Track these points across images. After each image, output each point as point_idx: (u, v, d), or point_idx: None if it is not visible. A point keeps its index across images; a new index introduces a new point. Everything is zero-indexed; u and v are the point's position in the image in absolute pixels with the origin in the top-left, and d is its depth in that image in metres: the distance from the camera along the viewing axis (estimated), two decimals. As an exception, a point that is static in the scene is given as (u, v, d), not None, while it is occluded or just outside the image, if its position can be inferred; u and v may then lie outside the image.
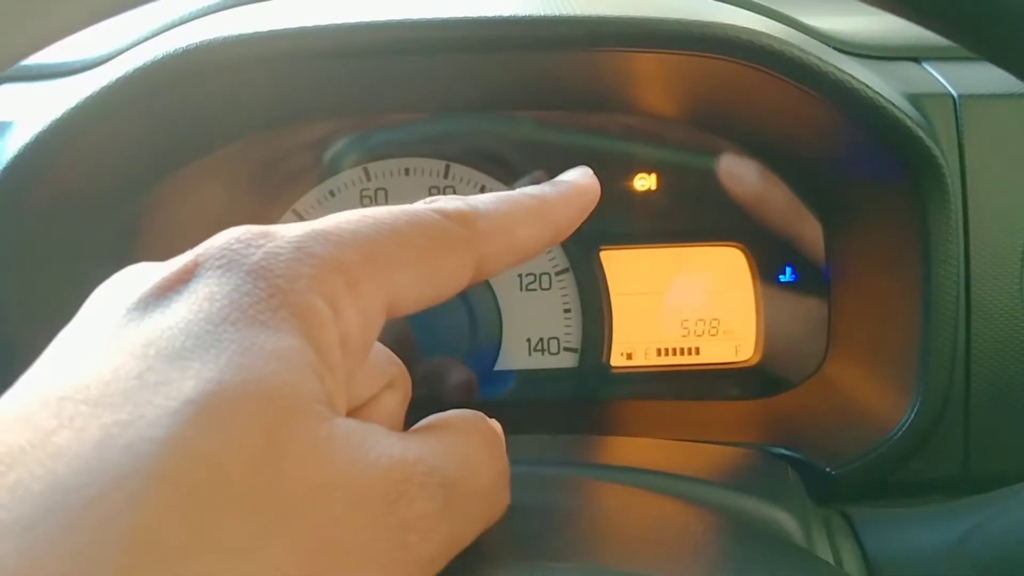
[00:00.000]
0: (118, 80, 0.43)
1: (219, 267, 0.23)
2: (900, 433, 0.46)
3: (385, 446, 0.23)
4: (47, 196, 0.48)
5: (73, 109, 0.44)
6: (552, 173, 0.58)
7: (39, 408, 0.20)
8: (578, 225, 0.31)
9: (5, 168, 0.46)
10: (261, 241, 0.23)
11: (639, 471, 0.41)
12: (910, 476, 0.48)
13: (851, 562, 0.39)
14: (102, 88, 0.43)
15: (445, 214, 0.27)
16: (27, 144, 0.45)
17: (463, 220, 0.27)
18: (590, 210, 0.32)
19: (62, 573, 0.17)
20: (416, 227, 0.26)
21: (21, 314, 0.48)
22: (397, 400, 0.30)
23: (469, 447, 0.26)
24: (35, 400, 0.20)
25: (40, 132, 0.45)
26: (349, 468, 0.21)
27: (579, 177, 0.32)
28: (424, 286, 0.26)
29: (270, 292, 0.22)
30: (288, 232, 0.24)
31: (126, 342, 0.21)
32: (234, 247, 0.23)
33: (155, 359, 0.21)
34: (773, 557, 0.31)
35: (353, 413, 0.27)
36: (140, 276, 0.24)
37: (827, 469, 0.46)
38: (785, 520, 0.38)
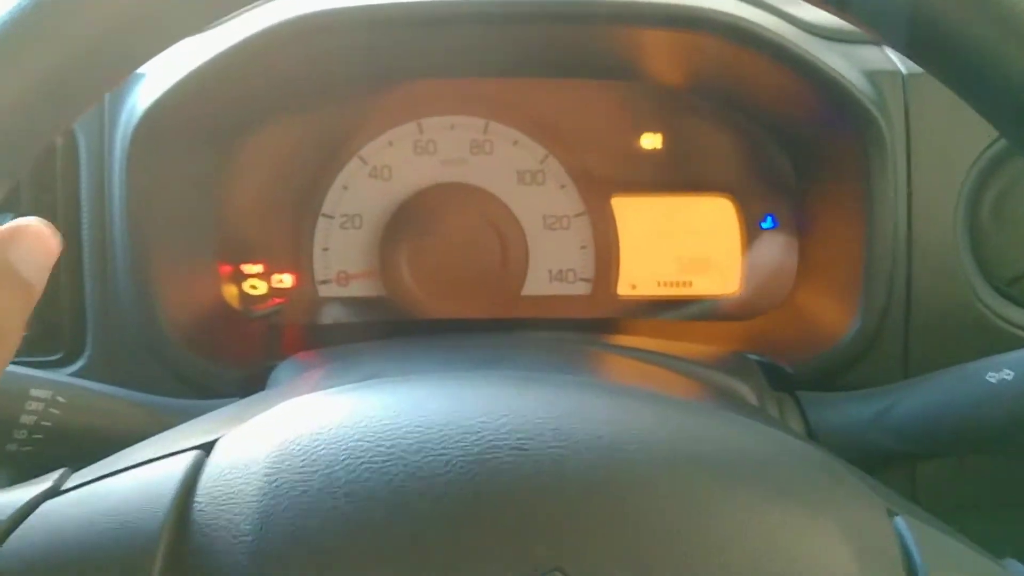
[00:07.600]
0: (243, 41, 0.54)
1: None
2: (846, 340, 0.58)
3: None
4: (174, 136, 0.60)
5: (202, 65, 0.56)
6: (574, 132, 0.69)
7: None
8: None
9: (143, 114, 0.57)
10: None
11: (630, 349, 0.53)
12: (857, 381, 0.59)
13: (794, 426, 0.51)
14: (229, 47, 0.55)
15: None
16: (163, 93, 0.57)
17: None
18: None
19: None
20: None
21: (151, 227, 0.60)
22: None
23: None
24: None
25: (174, 84, 0.56)
26: None
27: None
28: None
29: None
30: None
31: None
32: None
33: None
34: (727, 402, 0.43)
35: None
36: None
37: (786, 368, 0.58)
38: (743, 390, 0.50)
